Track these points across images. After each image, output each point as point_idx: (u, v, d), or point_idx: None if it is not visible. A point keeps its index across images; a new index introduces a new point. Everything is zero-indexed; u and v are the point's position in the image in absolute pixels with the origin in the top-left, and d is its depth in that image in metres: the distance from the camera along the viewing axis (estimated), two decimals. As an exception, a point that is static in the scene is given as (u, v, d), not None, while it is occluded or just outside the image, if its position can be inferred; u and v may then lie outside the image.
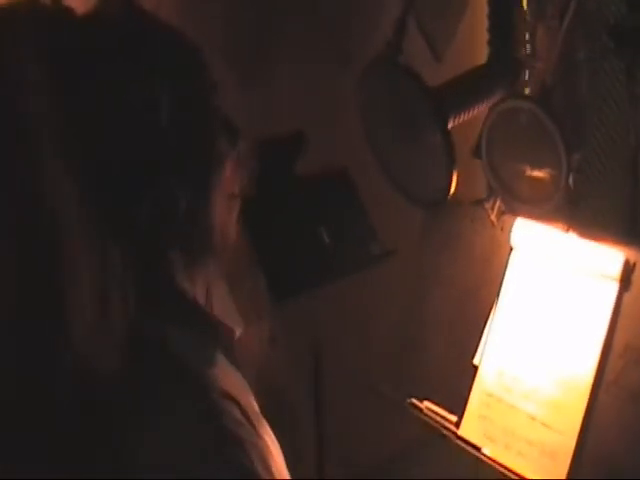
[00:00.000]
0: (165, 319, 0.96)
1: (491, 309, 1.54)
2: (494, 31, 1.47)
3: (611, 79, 1.36)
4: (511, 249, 1.55)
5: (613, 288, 1.41)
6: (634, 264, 1.41)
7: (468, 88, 1.48)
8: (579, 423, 1.38)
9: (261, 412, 1.03)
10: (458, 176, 1.50)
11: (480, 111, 1.46)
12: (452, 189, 1.43)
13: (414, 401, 1.58)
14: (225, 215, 1.04)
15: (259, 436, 0.93)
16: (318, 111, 2.17)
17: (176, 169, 0.94)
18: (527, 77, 1.38)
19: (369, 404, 1.81)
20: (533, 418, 1.44)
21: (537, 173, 1.33)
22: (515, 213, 1.53)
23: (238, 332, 1.13)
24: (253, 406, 1.01)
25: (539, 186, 1.35)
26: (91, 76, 0.89)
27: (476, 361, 1.53)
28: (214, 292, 1.15)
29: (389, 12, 2.26)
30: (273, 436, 1.01)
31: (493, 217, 1.59)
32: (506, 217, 1.58)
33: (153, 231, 0.93)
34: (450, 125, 1.44)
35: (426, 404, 1.57)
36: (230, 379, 0.98)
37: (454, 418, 1.52)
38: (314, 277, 2.00)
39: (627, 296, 1.41)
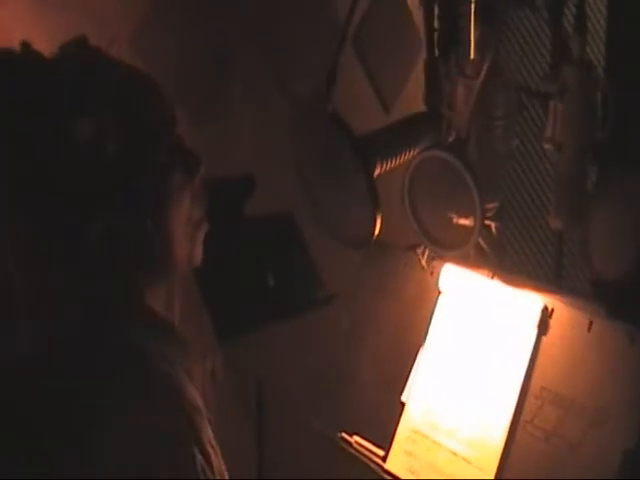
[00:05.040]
0: (140, 334, 1.03)
1: (419, 349, 1.63)
2: (426, 83, 1.58)
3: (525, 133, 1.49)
4: (439, 293, 1.64)
5: (532, 333, 1.51)
6: (552, 310, 1.51)
7: (395, 137, 1.58)
8: (497, 459, 1.47)
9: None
10: (392, 221, 1.60)
11: (408, 159, 1.56)
12: (376, 232, 1.52)
13: (344, 435, 1.65)
14: (186, 241, 1.11)
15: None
16: (265, 154, 2.26)
17: (127, 201, 1.01)
18: (446, 129, 1.49)
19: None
20: (455, 454, 1.52)
21: (454, 220, 1.43)
22: (441, 258, 1.63)
23: None
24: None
25: (455, 232, 1.45)
26: (43, 113, 0.97)
27: (404, 398, 1.61)
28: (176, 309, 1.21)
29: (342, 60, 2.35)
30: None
31: (423, 262, 1.68)
32: (436, 262, 1.67)
33: (109, 255, 1.00)
34: (377, 172, 1.54)
35: (355, 438, 1.64)
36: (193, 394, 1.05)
37: (381, 452, 1.60)
38: (258, 318, 2.07)
39: (544, 340, 1.51)
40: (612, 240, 1.37)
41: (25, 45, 1.01)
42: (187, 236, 1.11)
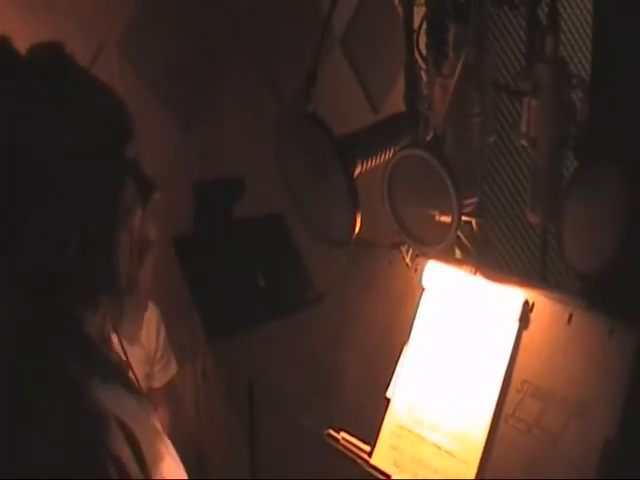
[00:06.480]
0: (56, 345, 1.03)
1: (404, 345, 1.65)
2: (406, 83, 1.61)
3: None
4: (423, 289, 1.66)
5: (513, 327, 1.53)
6: (533, 304, 1.53)
7: (375, 136, 1.60)
8: (480, 452, 1.49)
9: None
10: (376, 220, 1.62)
11: (389, 158, 1.58)
12: (356, 231, 1.54)
13: (331, 432, 1.68)
14: (130, 261, 1.09)
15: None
16: (256, 156, 2.27)
17: (72, 214, 1.00)
18: (423, 127, 1.51)
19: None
20: (439, 448, 1.54)
21: (433, 216, 1.45)
22: (425, 255, 1.65)
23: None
24: (147, 429, 1.08)
25: (435, 228, 1.47)
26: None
27: (389, 394, 1.63)
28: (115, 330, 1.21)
29: (325, 62, 2.38)
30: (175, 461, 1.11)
31: (407, 259, 1.70)
32: (419, 259, 1.69)
33: (43, 266, 1.01)
34: (357, 171, 1.56)
35: (342, 434, 1.67)
36: (119, 403, 1.04)
37: (367, 448, 1.62)
38: (248, 318, 2.09)
39: (525, 334, 1.53)
40: (588, 233, 1.39)
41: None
42: (133, 256, 1.09)
